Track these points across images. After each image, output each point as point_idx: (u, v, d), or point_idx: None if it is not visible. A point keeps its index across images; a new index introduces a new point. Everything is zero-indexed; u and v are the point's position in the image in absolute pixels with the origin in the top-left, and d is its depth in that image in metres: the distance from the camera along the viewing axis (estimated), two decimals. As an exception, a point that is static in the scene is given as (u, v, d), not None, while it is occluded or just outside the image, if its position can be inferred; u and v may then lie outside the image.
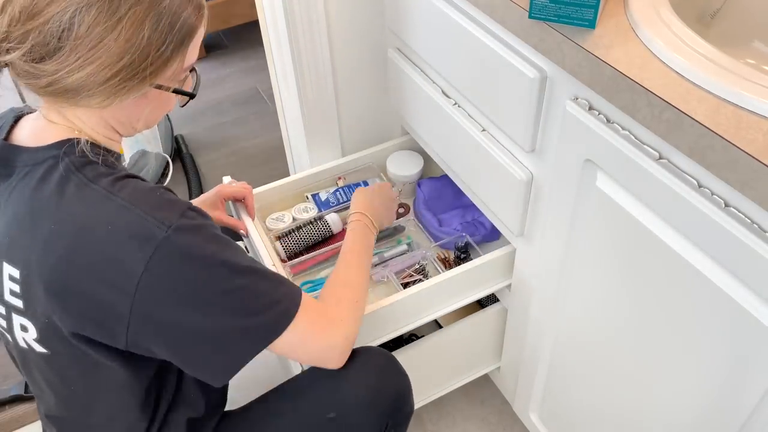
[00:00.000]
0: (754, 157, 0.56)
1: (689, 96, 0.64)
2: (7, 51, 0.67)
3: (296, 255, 1.23)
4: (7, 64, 0.69)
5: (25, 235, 0.71)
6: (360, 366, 0.90)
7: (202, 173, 2.10)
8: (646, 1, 0.76)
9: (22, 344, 0.78)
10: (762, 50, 0.87)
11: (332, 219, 1.25)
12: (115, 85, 0.68)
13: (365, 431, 0.89)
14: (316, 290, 1.19)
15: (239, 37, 2.76)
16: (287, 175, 1.38)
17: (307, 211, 1.30)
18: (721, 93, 0.63)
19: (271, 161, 2.11)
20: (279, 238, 1.22)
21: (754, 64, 0.85)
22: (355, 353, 0.90)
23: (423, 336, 1.22)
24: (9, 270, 0.73)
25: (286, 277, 0.81)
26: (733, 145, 0.58)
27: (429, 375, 1.26)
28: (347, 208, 1.32)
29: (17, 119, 0.77)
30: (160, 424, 0.85)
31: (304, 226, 1.24)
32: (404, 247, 1.27)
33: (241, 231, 1.16)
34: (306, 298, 0.81)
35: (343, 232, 1.26)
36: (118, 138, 0.79)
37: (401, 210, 1.32)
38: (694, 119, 0.61)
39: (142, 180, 0.75)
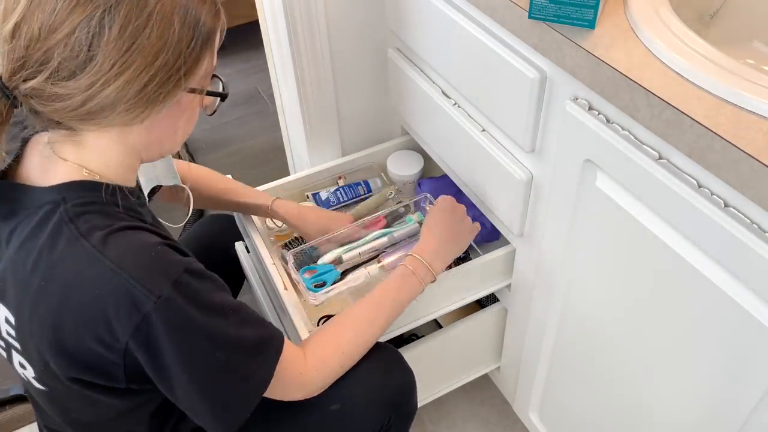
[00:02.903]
0: (754, 157, 0.56)
1: (689, 96, 0.64)
2: (26, 79, 0.62)
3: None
4: (21, 102, 0.64)
5: (18, 283, 0.69)
6: (366, 360, 0.90)
7: (202, 173, 2.10)
8: (646, 1, 0.76)
9: (23, 377, 0.78)
10: (762, 50, 0.87)
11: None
12: (153, 91, 0.64)
13: (367, 424, 0.89)
14: (318, 278, 1.07)
15: (239, 37, 2.76)
16: (287, 174, 1.37)
17: (307, 211, 1.29)
18: (720, 93, 0.63)
19: (271, 161, 2.11)
20: (285, 246, 1.18)
21: (754, 64, 0.85)
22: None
23: (423, 336, 1.22)
24: (5, 313, 0.72)
25: (263, 326, 0.78)
26: (733, 145, 0.58)
27: (429, 375, 1.26)
28: (348, 207, 1.33)
29: (26, 140, 0.72)
30: None
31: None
32: (415, 225, 1.16)
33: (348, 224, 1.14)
34: (284, 360, 0.77)
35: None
36: (138, 166, 0.75)
37: (402, 210, 1.31)
38: (693, 119, 0.61)
39: (145, 230, 0.70)
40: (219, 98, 0.75)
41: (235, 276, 1.28)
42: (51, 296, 0.67)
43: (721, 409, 0.75)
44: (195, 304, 0.68)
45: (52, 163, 0.69)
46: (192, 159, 2.13)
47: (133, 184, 0.76)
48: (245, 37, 2.75)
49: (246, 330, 0.75)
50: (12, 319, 0.71)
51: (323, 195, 1.31)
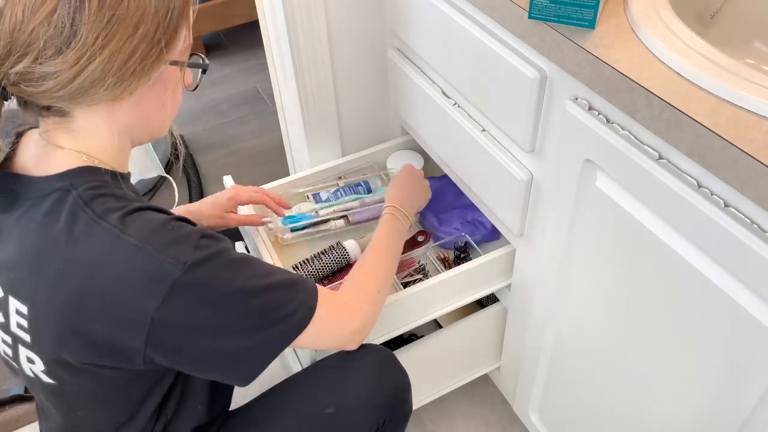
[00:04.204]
0: (753, 157, 0.56)
1: (689, 96, 0.64)
2: (15, 64, 0.63)
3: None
4: (11, 94, 0.65)
5: (33, 272, 0.69)
6: (360, 362, 0.90)
7: (202, 173, 2.10)
8: (646, 1, 0.76)
9: (29, 374, 0.77)
10: (762, 50, 0.87)
11: (350, 245, 1.21)
12: (137, 62, 0.66)
13: (363, 426, 0.89)
14: (296, 222, 1.24)
15: (239, 37, 2.76)
16: (287, 174, 1.37)
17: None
18: (720, 93, 0.63)
19: (271, 161, 2.11)
20: (296, 267, 1.18)
21: (754, 64, 0.85)
22: (356, 349, 0.91)
23: (423, 336, 1.22)
24: (16, 304, 0.72)
25: (300, 278, 0.81)
26: (733, 145, 0.58)
27: (429, 375, 1.26)
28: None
29: (19, 134, 0.74)
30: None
31: (322, 254, 1.20)
32: (384, 194, 1.26)
33: (263, 219, 1.17)
34: (323, 293, 0.81)
35: None
36: (130, 149, 0.76)
37: (420, 238, 1.28)
38: (693, 119, 0.61)
39: (153, 210, 0.71)
40: (201, 71, 0.78)
41: None
42: (73, 279, 0.67)
43: (721, 408, 0.75)
44: (220, 262, 0.71)
45: (48, 152, 0.70)
46: (192, 159, 2.13)
47: (127, 170, 0.77)
48: (245, 37, 2.75)
49: (275, 275, 0.78)
50: (24, 310, 0.71)
51: (323, 195, 1.31)
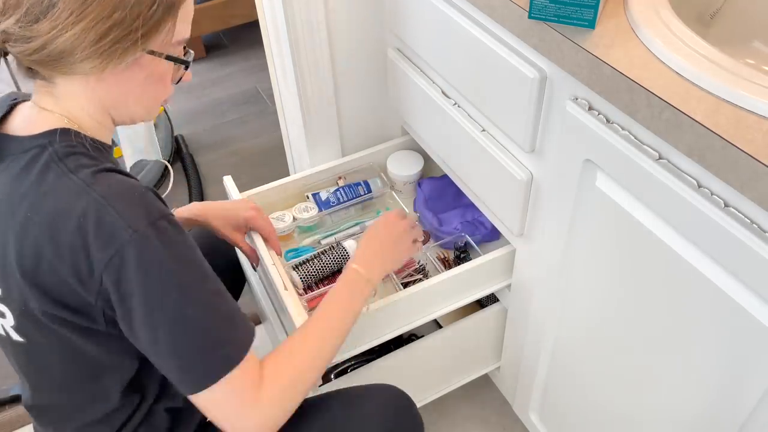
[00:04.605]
0: (753, 157, 0.57)
1: (689, 96, 0.64)
2: (2, 22, 0.68)
3: (315, 284, 1.19)
4: (3, 51, 0.70)
5: (3, 219, 0.72)
6: (377, 403, 0.89)
7: (202, 173, 2.10)
8: (646, 1, 0.76)
9: (1, 332, 0.78)
10: (762, 50, 0.87)
11: (350, 246, 1.20)
12: (108, 45, 0.68)
13: None
14: (299, 256, 1.21)
15: (239, 37, 2.77)
16: (287, 174, 1.38)
17: (307, 211, 1.30)
18: (720, 93, 0.63)
19: (271, 161, 2.11)
20: (295, 267, 1.18)
21: (754, 64, 0.85)
22: (375, 389, 0.90)
23: (423, 336, 1.22)
24: None
25: (243, 319, 0.76)
26: (733, 145, 0.58)
27: (429, 375, 1.26)
28: (347, 208, 1.33)
29: (12, 107, 0.77)
30: (143, 415, 0.84)
31: (322, 254, 1.19)
32: None
33: (253, 262, 1.15)
34: (249, 356, 0.74)
35: None
36: (111, 126, 0.79)
37: (421, 238, 1.27)
38: (693, 119, 0.61)
39: (128, 176, 0.73)
40: (184, 66, 0.78)
41: (237, 280, 1.28)
42: (36, 227, 0.69)
43: (720, 408, 0.75)
44: (170, 251, 0.70)
45: (35, 114, 0.74)
46: (192, 159, 2.13)
47: (109, 143, 0.79)
48: (245, 37, 2.75)
49: (221, 301, 0.75)
50: None
51: (323, 195, 1.31)
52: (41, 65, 0.70)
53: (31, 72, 0.73)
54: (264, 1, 1.31)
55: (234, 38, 2.77)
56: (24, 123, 0.75)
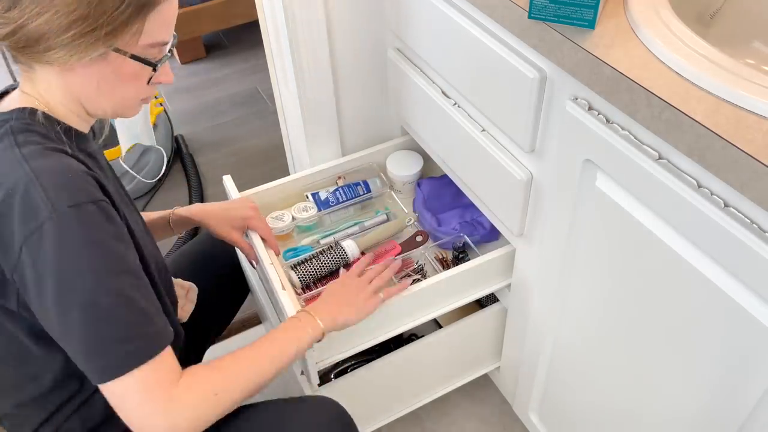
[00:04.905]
0: (753, 157, 0.57)
1: (689, 96, 0.64)
2: None
3: (313, 283, 1.19)
4: None
5: None
6: (310, 417, 0.88)
7: (202, 173, 2.10)
8: (646, 1, 0.76)
9: None
10: (762, 50, 0.87)
11: (349, 245, 1.20)
12: (71, 38, 0.70)
13: None
14: (297, 256, 1.22)
15: (239, 37, 2.76)
16: (287, 174, 1.37)
17: (306, 210, 1.30)
18: (720, 93, 0.63)
19: (271, 161, 2.11)
20: (294, 267, 1.18)
21: (754, 64, 0.85)
22: (308, 401, 0.89)
23: (423, 336, 1.22)
24: None
25: (161, 320, 0.75)
26: (733, 145, 0.58)
27: (429, 375, 1.26)
28: (347, 207, 1.33)
29: (8, 92, 0.81)
30: (79, 403, 0.84)
31: (320, 254, 1.20)
32: (383, 216, 1.31)
33: (252, 260, 1.15)
34: (165, 355, 0.74)
35: (359, 259, 1.21)
36: (85, 116, 0.80)
37: (419, 238, 1.27)
38: (693, 119, 0.61)
39: (76, 160, 0.74)
40: (152, 68, 0.78)
41: (240, 284, 1.28)
42: None
43: (720, 408, 0.75)
44: (90, 235, 0.70)
45: (16, 96, 0.79)
46: (192, 159, 2.13)
47: (86, 131, 0.82)
48: (245, 37, 2.75)
49: (140, 296, 0.73)
50: None
51: (323, 195, 1.31)
52: (18, 51, 0.73)
53: (15, 59, 0.76)
54: (264, 1, 1.31)
55: (234, 38, 2.77)
56: (6, 103, 0.79)
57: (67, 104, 0.78)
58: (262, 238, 1.11)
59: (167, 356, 0.75)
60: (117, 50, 0.74)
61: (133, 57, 0.75)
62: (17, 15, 0.70)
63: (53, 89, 0.77)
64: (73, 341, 0.72)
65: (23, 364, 0.81)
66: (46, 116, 0.76)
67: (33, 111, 0.76)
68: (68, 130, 0.78)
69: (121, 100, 0.80)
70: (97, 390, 0.82)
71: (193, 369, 0.79)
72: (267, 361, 0.85)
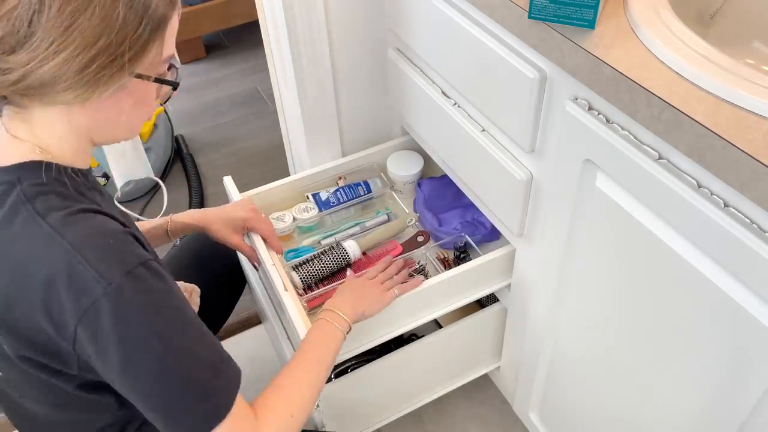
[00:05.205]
0: (753, 157, 0.57)
1: (689, 96, 0.64)
2: None
3: (315, 284, 1.19)
4: None
5: None
6: None
7: (202, 173, 2.10)
8: (646, 1, 0.76)
9: None
10: (762, 50, 0.87)
11: (350, 246, 1.21)
12: (93, 73, 0.63)
13: None
14: (299, 257, 1.21)
15: (239, 37, 2.76)
16: (287, 174, 1.38)
17: (307, 211, 1.30)
18: (720, 93, 0.63)
19: (271, 161, 2.11)
20: (295, 268, 1.18)
21: (754, 64, 0.85)
22: None
23: (423, 336, 1.22)
24: None
25: (227, 363, 0.74)
26: (733, 145, 0.58)
27: (429, 375, 1.26)
28: (347, 208, 1.33)
29: None
30: None
31: (322, 254, 1.19)
32: (384, 216, 1.31)
33: (254, 263, 1.14)
34: (239, 399, 0.73)
35: (361, 260, 1.23)
36: (89, 149, 0.74)
37: (420, 239, 1.27)
38: (693, 119, 0.61)
39: (103, 215, 0.69)
40: (171, 87, 0.74)
41: (237, 282, 1.28)
42: (5, 274, 0.66)
43: (720, 409, 0.75)
44: (148, 300, 0.66)
45: (5, 142, 0.69)
46: (192, 159, 2.13)
47: (86, 167, 0.75)
48: (245, 37, 2.75)
49: (206, 347, 0.72)
50: None
51: (323, 195, 1.31)
52: (19, 96, 0.65)
53: (3, 98, 0.67)
54: (264, 1, 1.31)
55: (234, 38, 2.77)
56: None
57: (72, 143, 0.71)
58: (265, 239, 1.11)
59: (239, 401, 0.73)
60: (139, 76, 0.68)
61: (158, 80, 0.70)
62: (25, 58, 0.61)
63: (57, 130, 0.69)
64: (148, 408, 0.69)
65: (81, 411, 0.78)
66: (49, 167, 0.68)
67: (37, 165, 0.68)
68: (75, 173, 0.71)
69: (136, 124, 0.74)
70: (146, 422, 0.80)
71: (262, 400, 0.78)
72: (316, 363, 0.87)
